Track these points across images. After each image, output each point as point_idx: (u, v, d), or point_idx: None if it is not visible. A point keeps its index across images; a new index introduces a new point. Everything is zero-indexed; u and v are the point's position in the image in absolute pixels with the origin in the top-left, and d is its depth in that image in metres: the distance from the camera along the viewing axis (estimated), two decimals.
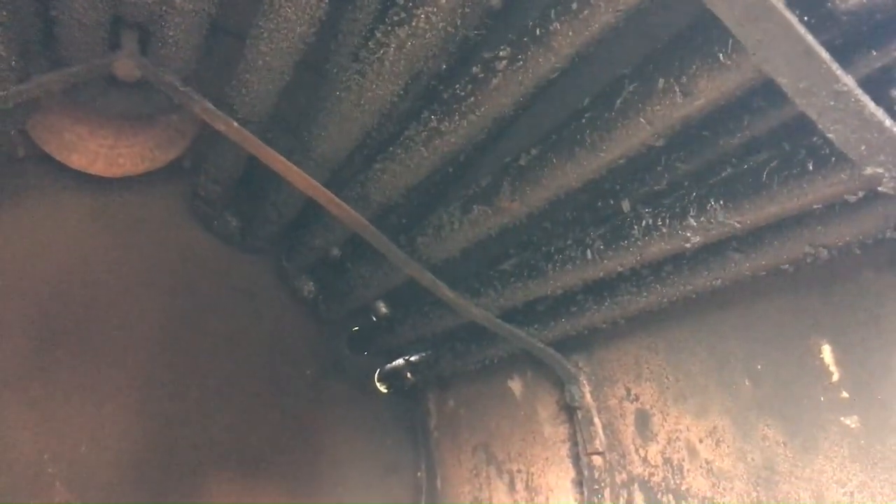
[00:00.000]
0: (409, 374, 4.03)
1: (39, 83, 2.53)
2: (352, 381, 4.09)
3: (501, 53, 1.94)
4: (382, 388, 4.20)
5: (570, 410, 3.13)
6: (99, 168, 3.34)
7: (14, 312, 3.31)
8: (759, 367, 2.28)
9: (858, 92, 1.30)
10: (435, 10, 1.87)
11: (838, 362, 2.03)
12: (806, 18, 1.31)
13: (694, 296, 2.27)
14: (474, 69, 2.08)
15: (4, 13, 2.16)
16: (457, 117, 2.20)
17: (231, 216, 3.70)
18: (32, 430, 3.26)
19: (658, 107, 1.69)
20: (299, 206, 3.29)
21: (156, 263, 3.66)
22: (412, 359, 3.99)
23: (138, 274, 3.58)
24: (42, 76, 2.54)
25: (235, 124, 2.71)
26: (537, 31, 1.79)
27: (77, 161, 3.30)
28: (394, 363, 4.10)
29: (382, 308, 3.92)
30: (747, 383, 2.33)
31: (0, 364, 3.27)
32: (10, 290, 3.32)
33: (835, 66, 1.28)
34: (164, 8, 2.30)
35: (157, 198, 3.70)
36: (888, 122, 1.31)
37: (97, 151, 3.30)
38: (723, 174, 1.83)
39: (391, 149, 2.57)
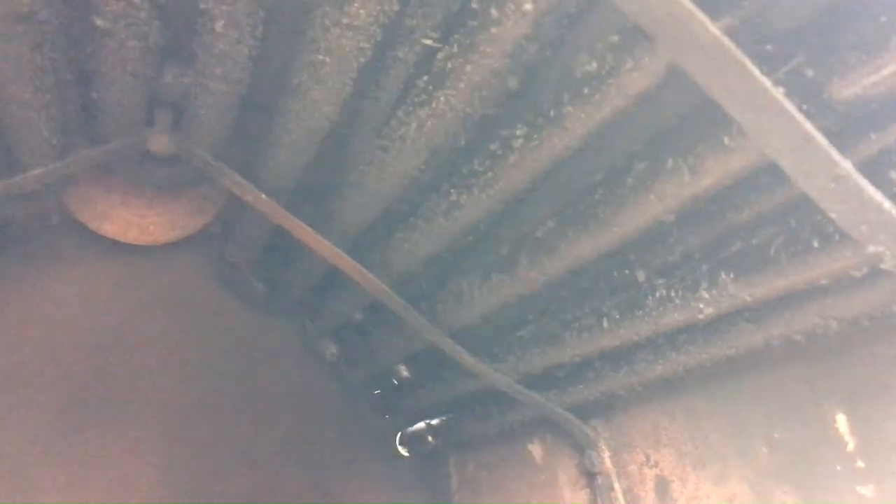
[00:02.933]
0: (430, 438, 4.05)
1: (78, 159, 2.65)
2: (374, 443, 4.11)
3: (518, 132, 2.02)
4: (404, 451, 4.21)
5: (590, 476, 3.14)
6: (131, 236, 3.45)
7: (44, 376, 3.39)
8: (775, 434, 2.31)
9: (857, 176, 1.36)
10: (454, 93, 1.96)
11: (853, 432, 2.05)
12: (805, 107, 1.38)
13: (710, 364, 2.30)
14: (492, 146, 2.17)
15: (49, 95, 2.28)
16: (475, 191, 2.29)
17: (257, 281, 3.78)
18: (60, 490, 3.31)
19: (667, 185, 1.76)
20: (323, 273, 3.37)
21: (183, 327, 3.74)
22: (433, 422, 4.01)
23: (165, 338, 3.66)
24: (80, 152, 2.65)
25: (263, 196, 2.81)
26: (551, 113, 1.88)
27: (110, 230, 3.40)
28: (415, 426, 4.13)
29: (404, 371, 3.97)
30: (765, 451, 2.35)
31: (29, 426, 3.34)
32: (41, 356, 3.40)
33: (833, 152, 1.35)
34: (197, 89, 2.42)
35: (185, 264, 3.79)
36: (887, 204, 1.37)
37: (129, 220, 3.41)
38: (733, 248, 1.89)
39: (412, 219, 2.66)
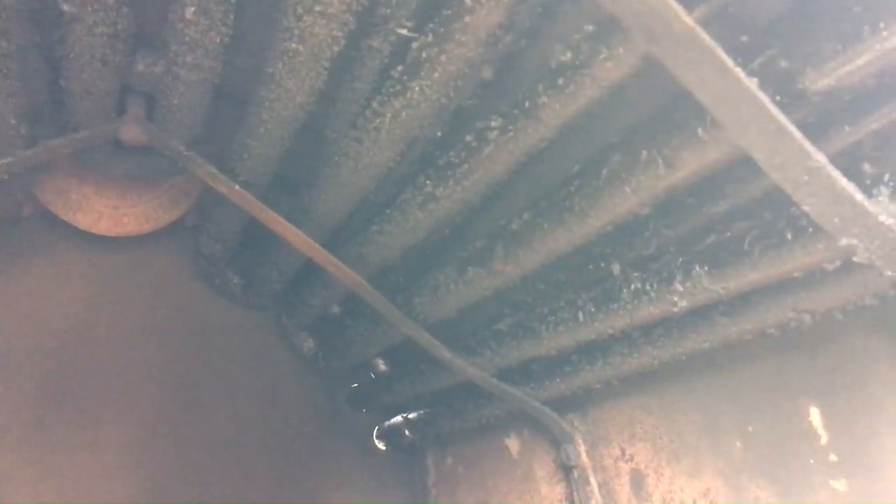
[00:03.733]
0: (407, 432, 4.04)
1: (47, 148, 2.61)
2: (351, 437, 4.10)
3: (493, 124, 2.00)
4: (381, 445, 4.20)
5: (566, 469, 3.14)
6: (103, 228, 3.40)
7: (17, 369, 3.35)
8: (750, 428, 2.31)
9: (830, 168, 1.35)
10: (428, 83, 1.94)
11: (826, 425, 2.06)
12: (778, 98, 1.37)
13: (684, 358, 2.30)
14: (468, 137, 2.15)
15: (16, 83, 2.24)
16: (451, 183, 2.27)
17: (233, 274, 3.75)
18: (33, 485, 3.28)
19: (642, 177, 1.75)
20: (299, 266, 3.35)
21: (158, 320, 3.71)
22: (411, 416, 4.00)
23: (140, 331, 3.62)
24: (50, 141, 2.61)
25: (237, 187, 2.78)
26: (526, 104, 1.86)
27: (82, 221, 3.36)
28: (393, 420, 4.11)
29: (381, 365, 3.95)
30: (739, 445, 2.35)
31: (2, 420, 3.29)
32: (13, 347, 3.36)
33: (806, 144, 1.34)
34: (169, 78, 2.38)
35: (160, 256, 3.75)
36: (859, 196, 1.36)
37: (102, 211, 3.37)
38: (707, 241, 1.88)
39: (388, 211, 2.63)
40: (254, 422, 3.81)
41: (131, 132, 2.69)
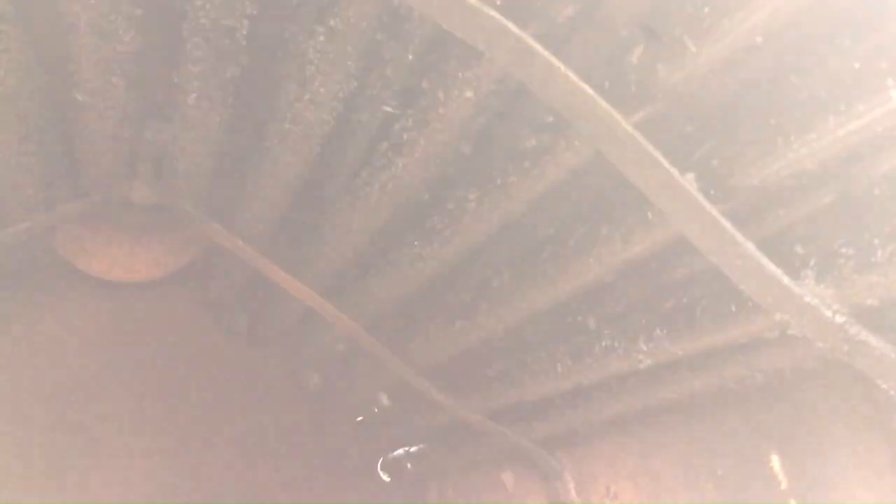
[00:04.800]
0: (409, 464, 4.17)
1: (62, 212, 2.79)
2: (356, 469, 4.21)
3: (471, 195, 2.17)
4: (385, 477, 4.31)
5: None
6: (116, 274, 3.56)
7: (32, 409, 3.49)
8: (720, 472, 2.45)
9: (758, 255, 1.51)
10: (411, 160, 2.11)
11: (786, 471, 2.20)
12: (712, 192, 1.53)
13: (658, 405, 2.45)
14: (449, 205, 2.32)
15: (33, 158, 2.42)
16: (436, 245, 2.44)
17: (239, 314, 3.90)
18: None
19: (603, 250, 1.91)
20: (303, 309, 3.50)
21: (167, 360, 3.84)
22: (412, 450, 4.13)
23: (151, 370, 3.76)
24: (65, 205, 2.79)
25: (240, 242, 2.95)
26: (499, 181, 2.03)
27: (96, 268, 3.51)
28: (396, 453, 4.24)
29: (385, 400, 4.09)
30: (710, 486, 2.49)
31: (16, 459, 3.44)
32: (30, 389, 3.51)
33: (736, 234, 1.50)
34: (175, 146, 2.56)
35: (170, 299, 3.89)
36: (786, 280, 1.52)
37: (115, 259, 3.52)
38: (667, 305, 2.04)
39: (382, 266, 2.80)
40: (261, 456, 3.94)
41: (141, 193, 2.86)
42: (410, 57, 1.96)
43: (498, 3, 1.47)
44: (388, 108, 2.21)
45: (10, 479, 3.39)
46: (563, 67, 1.48)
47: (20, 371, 3.52)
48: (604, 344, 2.22)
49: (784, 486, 2.19)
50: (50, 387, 3.55)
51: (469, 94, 1.76)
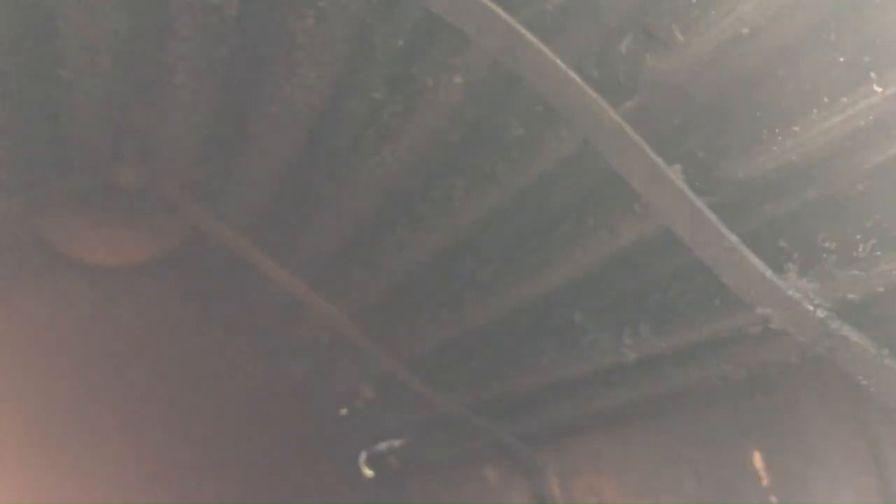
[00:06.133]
0: (392, 459, 4.16)
1: (46, 192, 2.76)
2: (338, 463, 4.20)
3: (458, 184, 2.16)
4: (368, 472, 4.30)
5: (540, 499, 3.27)
6: (100, 259, 3.53)
7: (14, 392, 3.48)
8: (702, 468, 2.45)
9: (742, 248, 1.51)
10: (399, 147, 2.10)
11: (767, 468, 2.20)
12: (698, 184, 1.53)
13: (641, 401, 2.44)
14: (436, 193, 2.31)
15: (17, 137, 2.40)
16: (423, 233, 2.43)
17: (224, 300, 3.87)
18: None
19: (590, 241, 1.91)
20: (287, 298, 3.49)
21: (150, 345, 3.82)
22: (395, 444, 4.12)
23: (133, 356, 3.74)
24: (49, 185, 2.76)
25: (225, 228, 2.93)
26: (486, 170, 2.02)
27: (79, 252, 3.49)
28: (379, 447, 4.23)
29: (368, 392, 4.07)
30: (692, 483, 2.49)
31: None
32: (11, 372, 3.49)
33: (721, 226, 1.50)
34: (161, 128, 2.54)
35: (152, 284, 3.86)
36: (769, 273, 1.52)
37: (98, 243, 3.50)
38: (653, 298, 2.03)
39: (367, 254, 2.79)
40: (242, 445, 3.93)
41: (126, 177, 2.83)
42: (400, 42, 1.94)
43: None
44: (377, 95, 2.20)
45: None
46: (551, 55, 1.48)
47: None
48: (589, 337, 2.22)
49: (765, 482, 2.20)
50: (29, 370, 3.53)
51: (458, 80, 1.76)
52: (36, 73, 2.23)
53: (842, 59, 1.35)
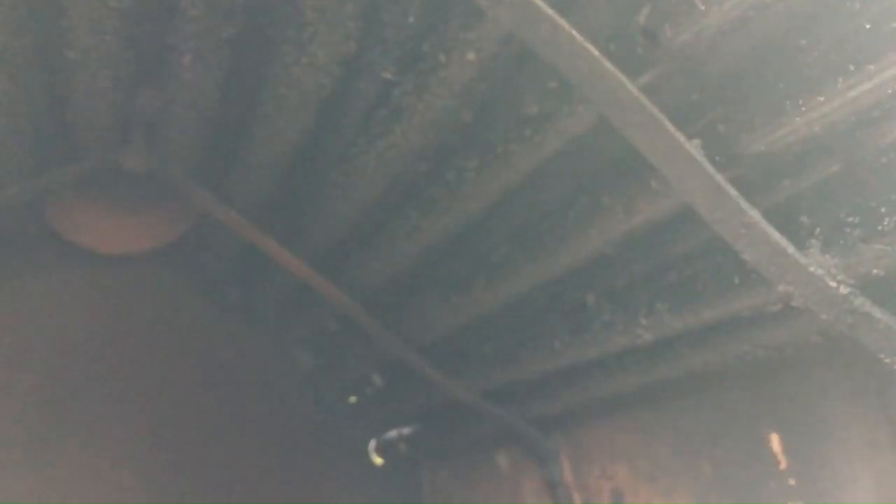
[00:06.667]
0: (402, 446, 4.14)
1: (53, 177, 2.74)
2: (347, 451, 4.19)
3: (470, 164, 2.13)
4: (377, 459, 4.29)
5: (552, 486, 3.25)
6: (106, 247, 3.52)
7: (19, 381, 3.46)
8: (718, 452, 2.43)
9: (764, 223, 1.47)
10: (410, 127, 2.07)
11: (785, 451, 2.18)
12: (717, 158, 1.50)
13: (656, 384, 2.42)
14: (448, 175, 2.28)
15: (23, 120, 2.37)
16: (434, 216, 2.40)
17: (231, 288, 3.86)
18: (36, 496, 3.39)
19: (605, 221, 1.88)
20: (297, 284, 3.47)
21: (158, 335, 3.81)
22: (405, 431, 4.11)
23: (141, 344, 3.73)
24: (55, 171, 2.74)
25: (233, 213, 2.91)
26: (499, 150, 1.99)
27: (86, 240, 3.47)
28: (389, 434, 4.22)
29: (378, 380, 4.06)
30: (708, 467, 2.46)
31: (5, 433, 3.41)
32: (16, 361, 3.47)
33: (742, 202, 1.46)
34: (167, 112, 2.51)
35: (160, 273, 3.85)
36: (791, 249, 1.48)
37: (105, 232, 3.48)
38: (669, 278, 2.00)
39: (377, 239, 2.76)
40: (251, 435, 3.92)
41: (133, 161, 2.81)
42: (411, 19, 1.91)
43: None
44: (388, 75, 2.17)
45: None
46: (568, 28, 1.44)
47: (6, 341, 3.48)
48: (603, 319, 2.18)
49: (783, 465, 2.17)
50: (34, 359, 3.52)
51: (471, 56, 1.72)
52: (42, 54, 2.20)
53: (868, 26, 1.32)
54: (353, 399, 4.18)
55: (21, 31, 2.05)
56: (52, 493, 3.39)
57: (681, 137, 1.44)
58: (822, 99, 1.38)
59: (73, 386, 3.56)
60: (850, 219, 1.52)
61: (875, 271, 1.49)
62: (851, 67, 1.34)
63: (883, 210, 1.47)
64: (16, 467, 3.37)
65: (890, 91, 1.31)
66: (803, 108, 1.40)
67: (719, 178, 1.45)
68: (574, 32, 1.43)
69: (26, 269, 3.57)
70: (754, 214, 1.46)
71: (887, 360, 1.59)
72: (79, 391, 3.56)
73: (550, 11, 1.43)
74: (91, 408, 3.57)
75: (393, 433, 4.17)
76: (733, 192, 1.45)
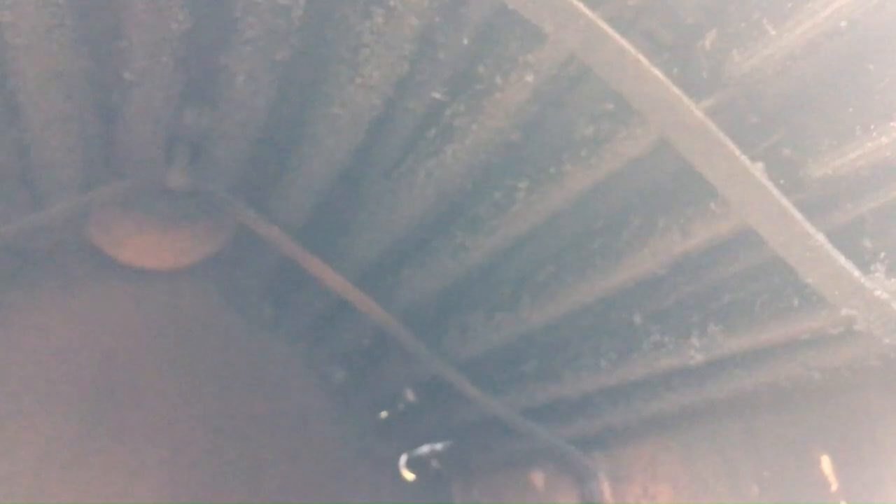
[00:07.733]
0: (434, 462, 4.14)
1: (98, 194, 2.77)
2: (379, 466, 4.19)
3: (520, 185, 2.13)
4: (409, 475, 4.29)
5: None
6: (145, 262, 3.55)
7: (59, 394, 3.50)
8: (765, 473, 2.40)
9: (829, 247, 1.47)
10: (461, 147, 2.08)
11: (836, 473, 2.15)
12: (782, 182, 1.49)
13: (704, 404, 2.40)
14: (497, 194, 2.28)
15: (74, 138, 2.40)
16: (480, 236, 2.40)
17: (266, 305, 3.89)
18: (77, 497, 3.43)
19: (660, 242, 1.87)
20: (332, 300, 3.48)
21: (192, 349, 3.84)
22: (438, 447, 4.10)
23: (176, 359, 3.76)
24: (102, 188, 2.77)
25: (276, 229, 2.92)
26: (551, 170, 1.99)
27: (124, 255, 3.50)
28: (420, 450, 4.21)
29: (410, 396, 4.06)
30: (755, 489, 2.44)
31: (44, 443, 3.44)
32: (56, 374, 3.51)
33: (807, 225, 1.46)
34: (214, 131, 2.54)
35: (197, 287, 3.89)
36: (857, 273, 1.48)
37: (143, 247, 3.51)
38: (723, 300, 2.00)
39: (420, 257, 2.77)
40: (283, 450, 3.93)
41: (177, 180, 2.83)
42: (465, 41, 1.92)
43: None
44: (438, 96, 2.18)
45: (34, 463, 3.40)
46: (633, 51, 1.44)
47: (45, 353, 3.52)
48: (653, 339, 2.17)
49: (834, 487, 2.15)
50: (75, 373, 3.55)
51: (529, 78, 1.73)
52: (97, 74, 2.23)
53: None
54: (384, 414, 4.18)
55: (78, 53, 2.08)
56: (93, 495, 3.43)
57: (746, 161, 1.44)
58: (895, 124, 1.37)
59: (111, 398, 3.59)
60: None
61: None
62: None
63: None
64: (56, 476, 3.40)
65: None
66: (875, 133, 1.39)
67: (784, 201, 1.45)
68: (640, 56, 1.44)
69: (66, 282, 3.62)
70: (819, 238, 1.46)
71: None
72: (117, 403, 3.60)
73: (616, 35, 1.44)
74: (128, 419, 3.60)
75: (425, 449, 4.17)
76: (798, 215, 1.45)
